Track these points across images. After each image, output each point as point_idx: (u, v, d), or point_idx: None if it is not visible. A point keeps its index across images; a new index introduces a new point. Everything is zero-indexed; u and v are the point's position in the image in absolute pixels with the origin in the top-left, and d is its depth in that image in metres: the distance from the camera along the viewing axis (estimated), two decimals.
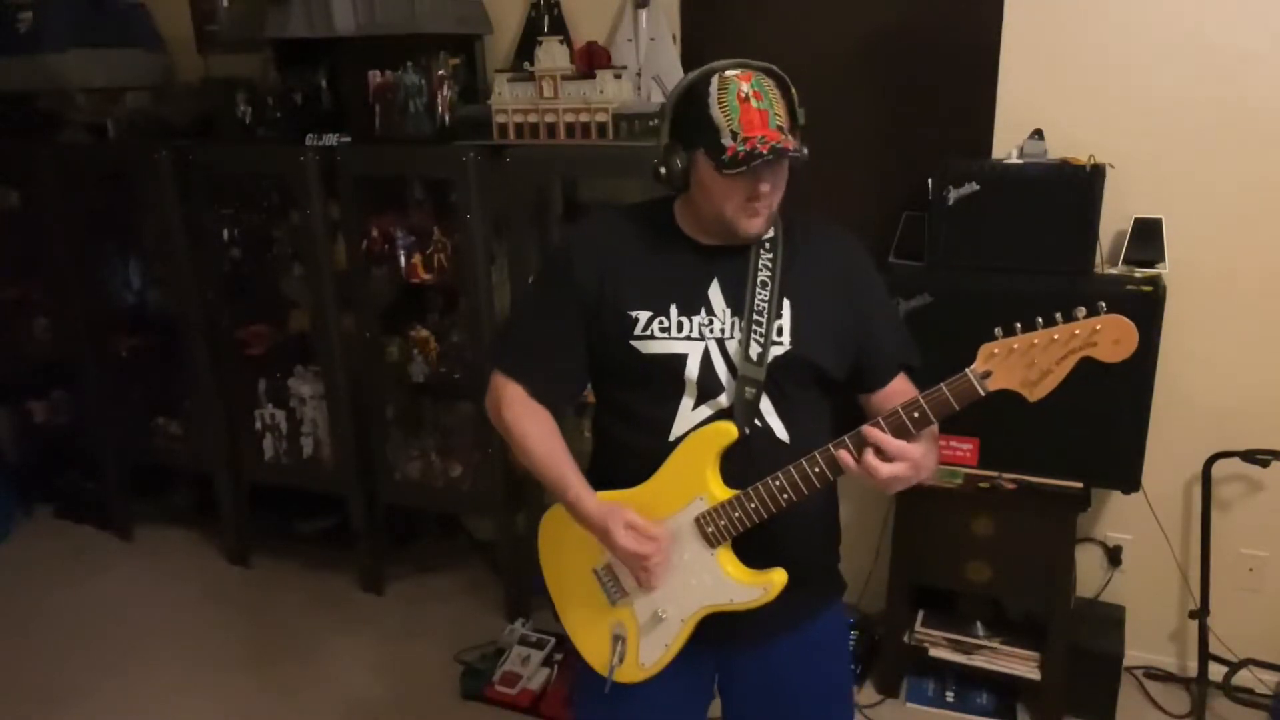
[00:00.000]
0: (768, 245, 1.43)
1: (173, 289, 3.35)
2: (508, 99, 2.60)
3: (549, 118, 2.57)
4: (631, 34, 2.74)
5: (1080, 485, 2.40)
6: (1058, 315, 1.21)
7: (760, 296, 1.40)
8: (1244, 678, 2.53)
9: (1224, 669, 2.51)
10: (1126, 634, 2.56)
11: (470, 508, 3.33)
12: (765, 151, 1.27)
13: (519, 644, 2.79)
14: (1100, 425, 2.29)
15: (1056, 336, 1.21)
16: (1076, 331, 1.20)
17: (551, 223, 2.94)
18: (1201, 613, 2.49)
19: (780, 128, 1.31)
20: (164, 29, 3.49)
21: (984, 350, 1.25)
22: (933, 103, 2.58)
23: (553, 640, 2.79)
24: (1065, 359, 1.22)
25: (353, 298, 3.00)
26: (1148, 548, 2.62)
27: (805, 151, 1.32)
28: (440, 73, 2.72)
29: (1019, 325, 1.23)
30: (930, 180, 2.38)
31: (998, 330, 1.24)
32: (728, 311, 1.41)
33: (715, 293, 1.42)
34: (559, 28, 2.86)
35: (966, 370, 1.25)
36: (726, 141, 1.29)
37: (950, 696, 2.61)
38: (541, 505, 2.81)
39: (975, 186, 2.33)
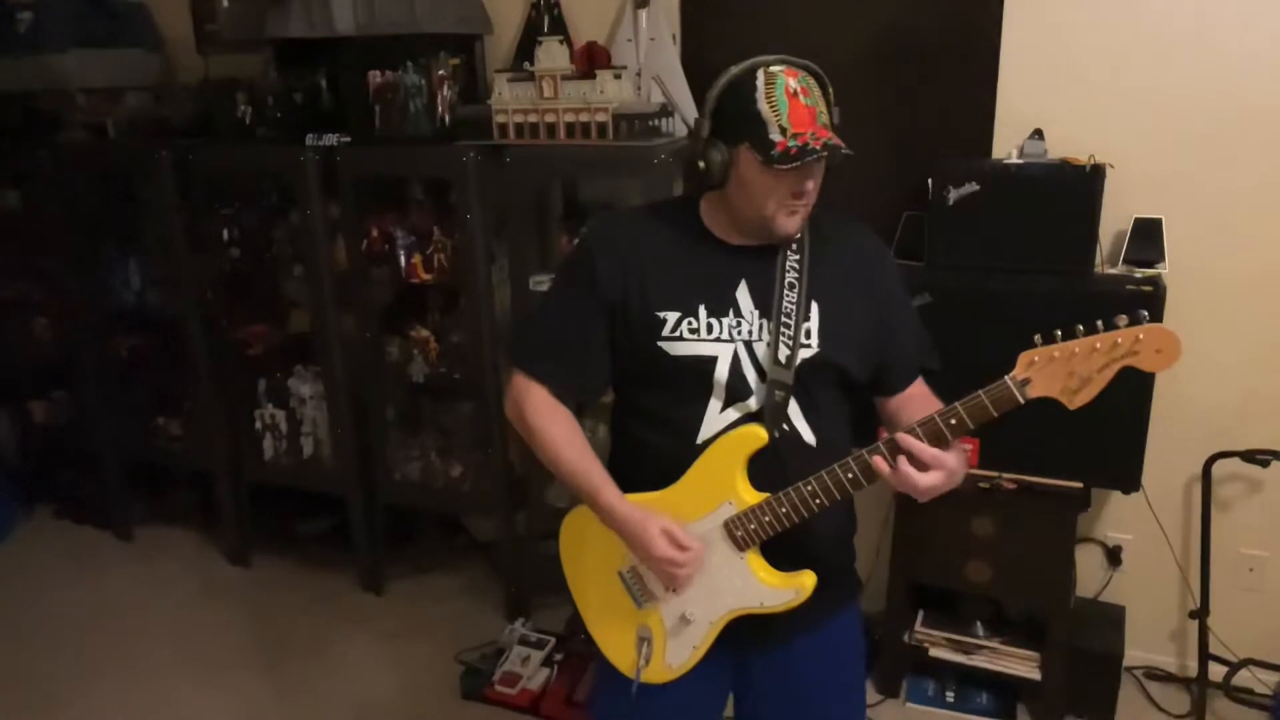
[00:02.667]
0: (794, 246, 1.41)
1: (173, 289, 3.35)
2: (508, 99, 2.60)
3: (549, 118, 2.57)
4: (631, 34, 2.74)
5: (1080, 485, 2.40)
6: (1099, 323, 1.20)
7: (788, 298, 1.38)
8: (1244, 678, 2.53)
9: (1224, 669, 2.51)
10: (1126, 634, 2.56)
11: (470, 508, 3.33)
12: (818, 147, 1.26)
13: (519, 644, 2.79)
14: (1100, 425, 2.28)
15: (1098, 345, 1.19)
16: (1119, 340, 1.19)
17: (551, 223, 2.94)
18: (1201, 613, 2.49)
19: (826, 125, 1.31)
20: (164, 29, 3.49)
21: (1024, 358, 1.23)
22: (933, 103, 2.58)
23: (553, 640, 2.79)
24: (1106, 368, 1.21)
25: (353, 298, 3.00)
26: (1148, 548, 2.61)
27: (852, 152, 1.30)
28: (440, 73, 2.72)
29: (1059, 333, 1.21)
30: (930, 180, 2.38)
31: (1037, 338, 1.22)
32: (755, 313, 1.39)
33: (743, 294, 1.40)
34: (559, 28, 2.86)
35: (1005, 378, 1.24)
36: (775, 136, 1.27)
37: (950, 696, 2.61)
38: (541, 505, 2.84)
39: (975, 186, 2.32)
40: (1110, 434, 2.30)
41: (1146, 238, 2.33)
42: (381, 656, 2.94)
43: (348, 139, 2.84)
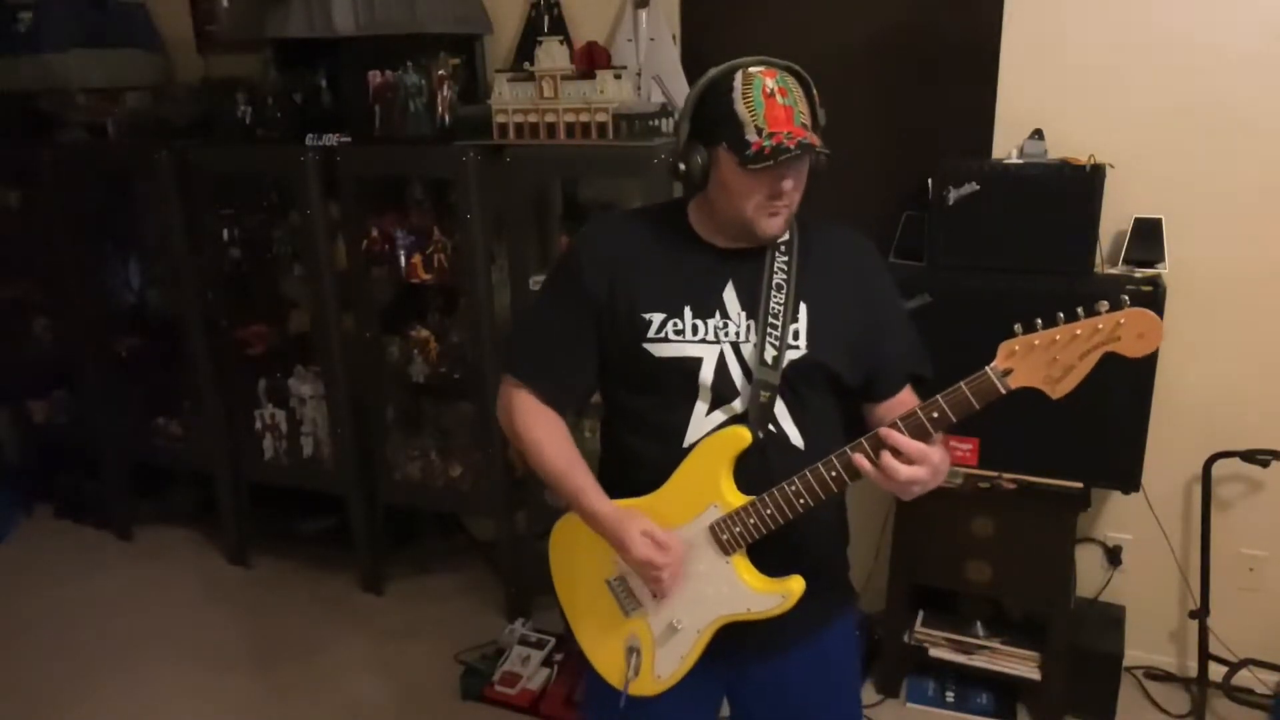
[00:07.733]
0: (783, 248, 1.40)
1: (173, 289, 3.35)
2: (508, 99, 2.60)
3: (549, 118, 2.57)
4: (631, 34, 2.74)
5: (1080, 485, 2.41)
6: (1079, 310, 1.18)
7: (775, 299, 1.37)
8: (1244, 678, 2.53)
9: (1224, 669, 2.51)
10: (1126, 634, 2.56)
11: (470, 508, 3.33)
12: (792, 146, 1.25)
13: (519, 644, 2.79)
14: (1100, 425, 2.29)
15: (1079, 332, 1.18)
16: (1099, 326, 1.17)
17: (552, 223, 2.94)
18: (1201, 613, 2.49)
19: (804, 125, 1.29)
20: (164, 29, 3.49)
21: (1004, 347, 1.21)
22: (933, 103, 2.58)
23: (553, 640, 2.78)
24: (1088, 354, 1.19)
25: (353, 298, 3.00)
26: (1148, 548, 2.62)
27: (828, 151, 1.28)
28: (440, 73, 2.72)
29: (1039, 321, 1.20)
30: (930, 180, 2.38)
31: (1017, 327, 1.20)
32: (743, 314, 1.38)
33: (730, 295, 1.38)
34: (559, 28, 2.86)
35: (986, 368, 1.22)
36: (751, 137, 1.27)
37: (950, 696, 2.61)
38: (541, 505, 2.84)
39: (975, 186, 2.33)
40: (1110, 434, 2.31)
41: (1146, 238, 2.33)
42: (381, 656, 2.94)
43: (348, 139, 2.84)
